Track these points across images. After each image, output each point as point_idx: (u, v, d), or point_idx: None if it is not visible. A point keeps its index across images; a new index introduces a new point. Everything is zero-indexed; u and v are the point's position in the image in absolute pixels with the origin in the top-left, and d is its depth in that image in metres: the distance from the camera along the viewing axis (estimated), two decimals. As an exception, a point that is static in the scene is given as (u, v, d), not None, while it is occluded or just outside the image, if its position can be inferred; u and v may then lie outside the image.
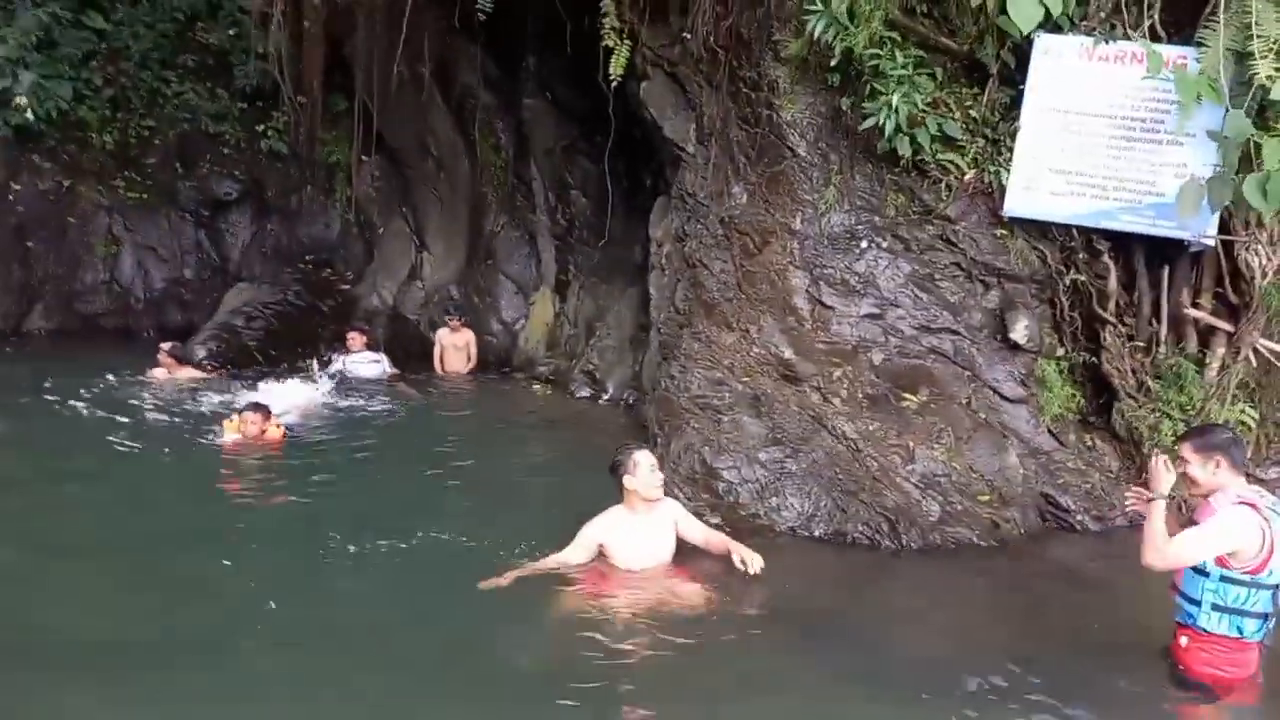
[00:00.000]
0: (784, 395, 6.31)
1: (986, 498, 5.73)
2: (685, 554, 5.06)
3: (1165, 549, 3.63)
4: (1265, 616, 3.68)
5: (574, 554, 4.83)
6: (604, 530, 4.84)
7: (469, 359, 10.50)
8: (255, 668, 4.00)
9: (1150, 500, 3.72)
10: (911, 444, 5.91)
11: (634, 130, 8.54)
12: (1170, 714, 3.86)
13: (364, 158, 12.13)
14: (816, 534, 5.66)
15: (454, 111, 11.14)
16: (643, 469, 4.83)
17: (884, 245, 6.59)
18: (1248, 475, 3.95)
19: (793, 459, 5.99)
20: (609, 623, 4.41)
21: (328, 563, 5.08)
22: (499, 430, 8.45)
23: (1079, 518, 5.80)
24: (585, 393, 9.24)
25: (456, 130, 11.16)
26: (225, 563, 5.00)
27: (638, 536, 4.87)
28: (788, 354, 6.47)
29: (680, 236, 7.73)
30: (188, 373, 9.55)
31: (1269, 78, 5.17)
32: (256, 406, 7.55)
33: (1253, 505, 3.63)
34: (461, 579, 4.72)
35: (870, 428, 6.03)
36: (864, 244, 6.62)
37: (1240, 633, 3.69)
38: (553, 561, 4.82)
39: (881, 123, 6.20)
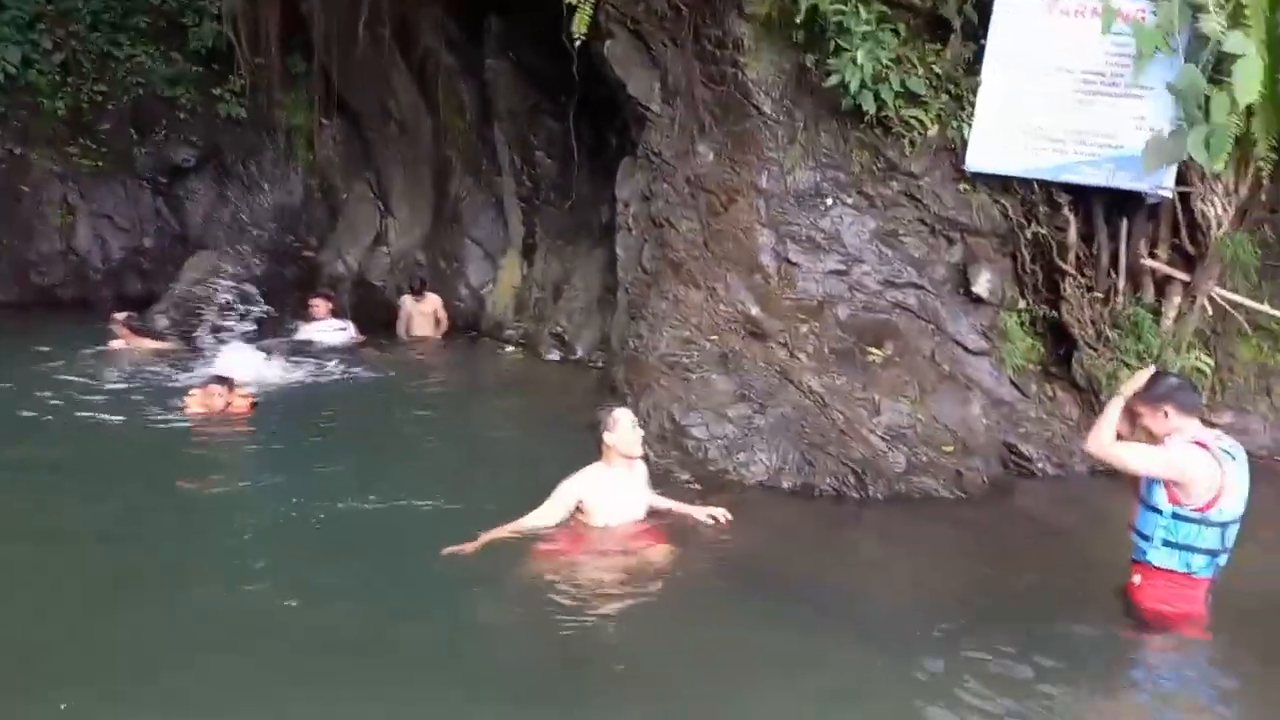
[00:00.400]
0: (751, 352, 6.36)
1: (950, 448, 5.85)
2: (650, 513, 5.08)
3: (1106, 442, 3.80)
4: (1213, 553, 3.81)
5: (552, 512, 4.82)
6: (584, 486, 4.85)
7: (437, 324, 10.43)
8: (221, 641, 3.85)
9: (1116, 395, 3.90)
10: (877, 397, 6.00)
11: (598, 90, 8.47)
12: (1125, 649, 3.98)
13: (325, 121, 11.93)
14: (785, 487, 5.75)
15: (416, 74, 10.96)
16: (623, 425, 4.87)
17: (849, 202, 6.64)
18: (1203, 420, 4.07)
19: (761, 414, 6.05)
20: (582, 584, 4.42)
21: (299, 533, 4.97)
22: (468, 394, 8.45)
23: (1040, 465, 5.94)
24: (554, 355, 9.24)
25: (419, 92, 10.98)
26: (194, 539, 4.89)
27: (616, 493, 4.90)
28: (755, 311, 6.51)
29: (646, 196, 7.71)
30: (146, 343, 9.38)
31: (1220, 31, 5.24)
32: (220, 379, 7.42)
33: (1204, 446, 3.74)
34: (437, 545, 4.63)
35: (837, 382, 6.11)
36: (829, 201, 6.66)
37: (1189, 568, 3.82)
38: (529, 522, 4.79)
39: (846, 79, 6.22)
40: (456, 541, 4.62)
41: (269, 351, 9.08)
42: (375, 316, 10.70)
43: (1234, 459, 3.79)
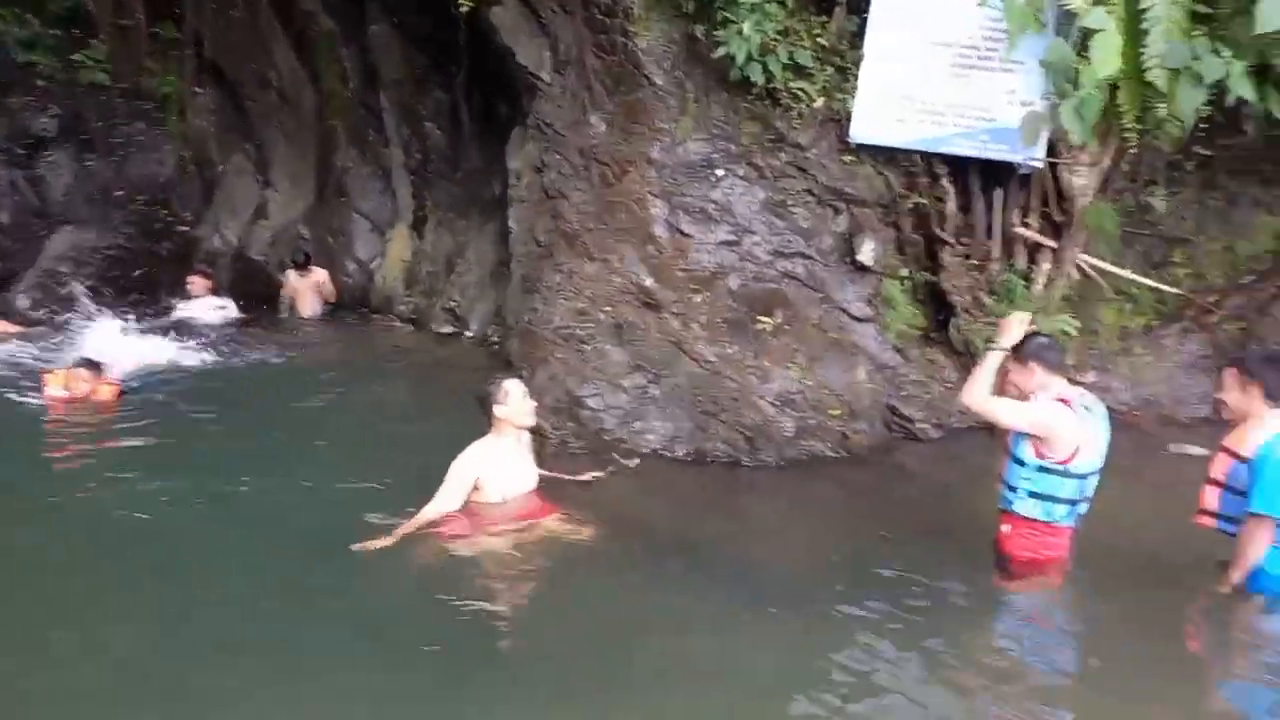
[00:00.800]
0: (645, 323, 6.39)
1: (837, 412, 6.02)
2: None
3: (980, 396, 4.01)
4: (1073, 503, 4.06)
5: (453, 496, 4.65)
6: (479, 462, 4.71)
7: (323, 300, 10.09)
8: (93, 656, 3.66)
9: (990, 349, 4.08)
10: (768, 364, 6.13)
11: (488, 59, 8.29)
12: (997, 595, 4.23)
13: (198, 90, 11.32)
14: (680, 455, 5.83)
15: (295, 39, 10.48)
16: (514, 396, 4.79)
17: (740, 173, 6.71)
18: (1070, 379, 4.30)
19: (655, 384, 6.11)
20: (485, 562, 4.39)
21: (173, 527, 4.70)
22: (358, 374, 8.19)
23: (921, 426, 6.18)
24: (447, 330, 9.07)
25: (299, 60, 10.53)
26: (52, 542, 4.57)
27: (509, 465, 4.83)
28: (648, 282, 6.54)
29: (538, 167, 7.62)
30: (3, 325, 8.78)
31: (1080, 6, 5.49)
32: (88, 363, 6.96)
33: (1067, 402, 3.96)
34: (328, 532, 4.49)
35: (729, 351, 6.21)
36: (720, 172, 6.72)
37: (1052, 517, 4.06)
38: (433, 510, 4.59)
39: (733, 51, 6.26)
40: (347, 527, 4.48)
41: (142, 332, 8.62)
42: (257, 293, 10.27)
43: (1093, 414, 4.04)
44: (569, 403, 6.16)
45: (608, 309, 6.52)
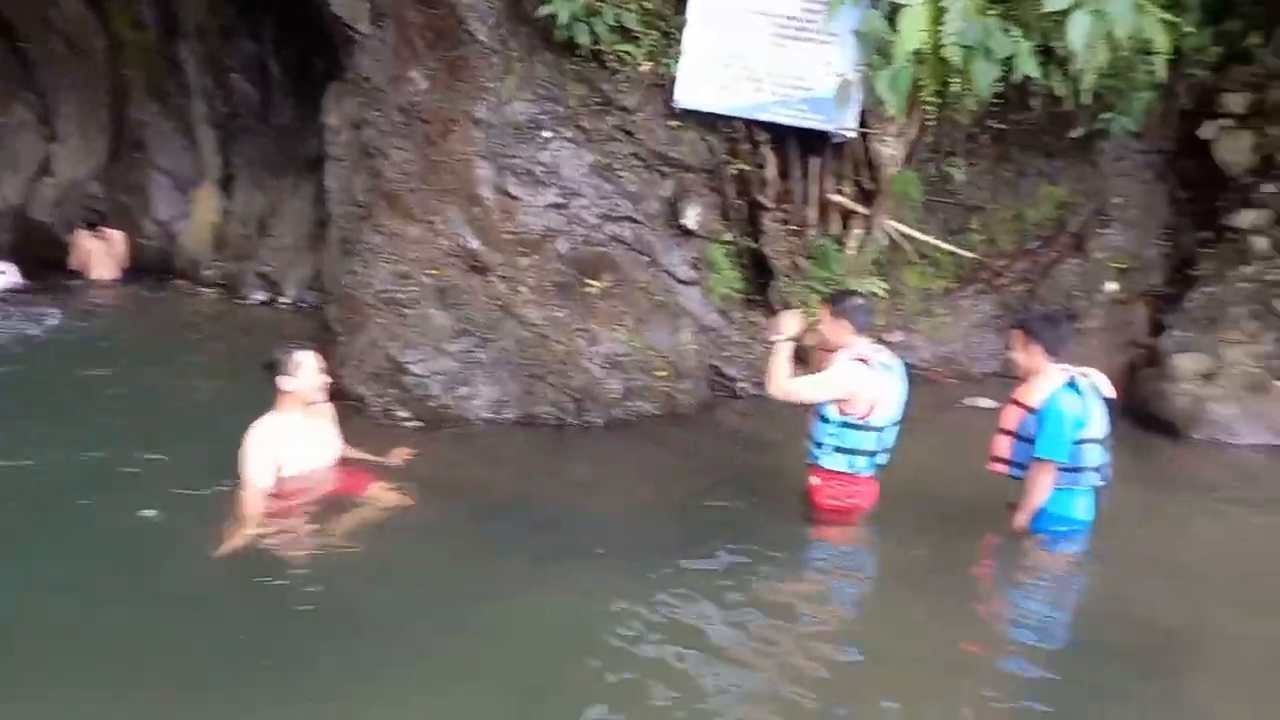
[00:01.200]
0: (471, 286, 6.26)
1: (664, 373, 6.13)
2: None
3: (783, 383, 4.23)
4: (872, 454, 4.33)
5: (260, 476, 4.27)
6: (270, 440, 4.35)
7: (118, 264, 9.29)
8: None
9: (775, 341, 4.28)
10: (595, 327, 6.14)
11: (299, 8, 7.82)
12: (807, 541, 4.45)
13: (-34, 31, 10.13)
14: (508, 418, 5.78)
15: (80, -20, 9.55)
16: (305, 369, 4.39)
17: (567, 135, 6.65)
18: (879, 338, 4.55)
19: (482, 348, 6.01)
20: (296, 541, 4.15)
21: None
22: (159, 343, 7.60)
23: (742, 385, 6.39)
24: (260, 296, 8.57)
25: (86, 4, 9.58)
26: None
27: (303, 437, 4.47)
28: (474, 245, 6.39)
29: (357, 124, 7.28)
30: None
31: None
32: None
33: (865, 360, 4.20)
34: (124, 515, 4.16)
35: (557, 314, 6.18)
36: (547, 134, 6.63)
37: (853, 468, 4.33)
38: (255, 505, 4.21)
39: (558, 10, 6.17)
40: (135, 507, 4.16)
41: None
42: (43, 256, 9.35)
43: (890, 371, 4.29)
44: (391, 369, 5.96)
45: (432, 272, 6.34)
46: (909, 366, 4.97)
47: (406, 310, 6.19)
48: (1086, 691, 3.36)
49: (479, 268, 6.34)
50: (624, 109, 6.65)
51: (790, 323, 4.32)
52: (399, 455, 4.87)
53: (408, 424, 5.73)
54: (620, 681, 3.25)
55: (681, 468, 5.30)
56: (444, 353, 5.96)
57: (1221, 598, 4.06)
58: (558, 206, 6.56)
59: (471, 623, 3.60)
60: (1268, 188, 6.74)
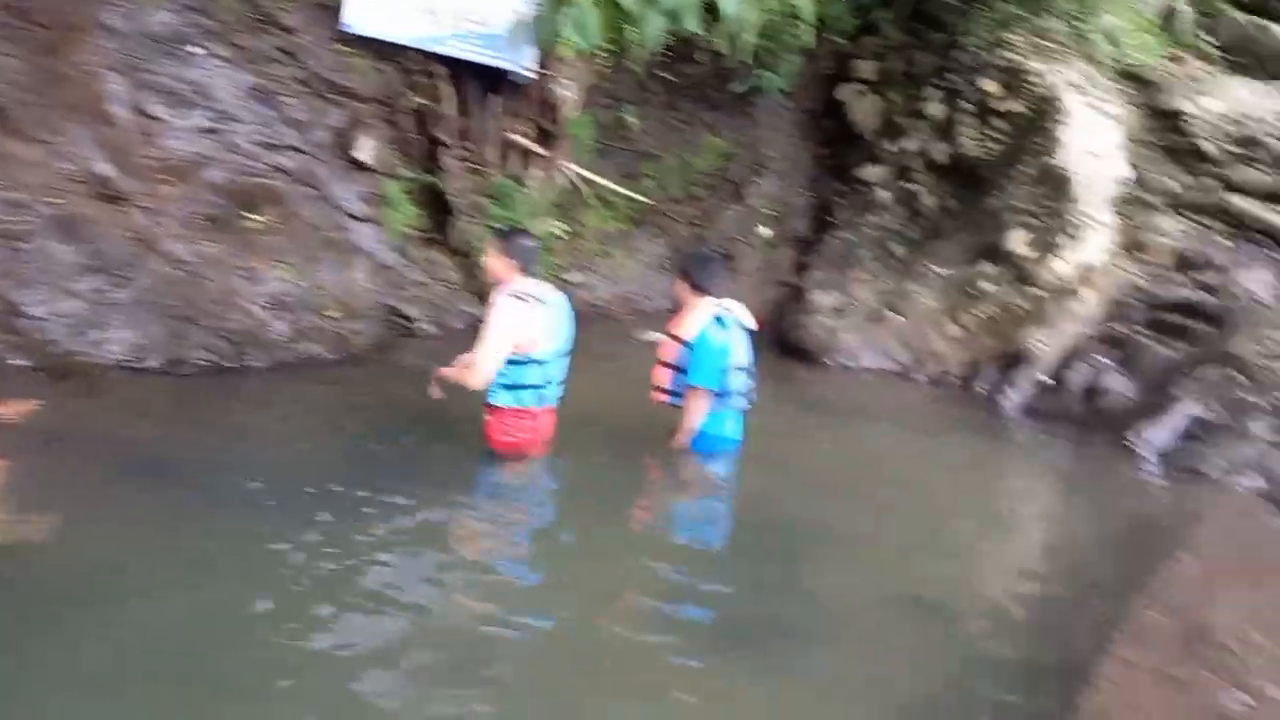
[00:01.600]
0: (103, 217, 5.50)
1: (335, 313, 5.81)
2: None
3: (482, 373, 4.21)
4: (539, 388, 4.39)
5: None
6: None
7: None
8: None
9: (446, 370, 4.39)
10: (257, 265, 5.68)
11: None
12: (482, 475, 4.49)
13: None
14: (152, 365, 5.19)
15: None
16: None
17: (220, 53, 6.04)
18: (560, 279, 4.61)
19: (118, 288, 5.34)
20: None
21: None
22: None
23: (421, 325, 6.23)
24: None
25: None
26: None
27: None
28: (106, 170, 5.62)
29: (-50, 22, 6.07)
30: None
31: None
32: None
33: (520, 297, 4.25)
34: None
35: (210, 250, 5.63)
36: (194, 49, 5.96)
37: (520, 402, 4.38)
38: None
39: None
40: None
41: None
42: None
43: (549, 305, 4.38)
44: (4, 311, 5.12)
45: (52, 200, 5.49)
46: (589, 305, 5.15)
47: (21, 244, 5.33)
48: (750, 588, 3.70)
49: (112, 196, 5.59)
50: (285, 28, 6.15)
51: (451, 374, 4.37)
52: (14, 409, 4.24)
53: (27, 373, 4.98)
54: (289, 630, 3.09)
55: (356, 410, 5.07)
56: (69, 292, 5.21)
57: (839, 495, 4.68)
58: (209, 131, 5.94)
59: (112, 589, 3.20)
60: (890, 146, 7.68)
